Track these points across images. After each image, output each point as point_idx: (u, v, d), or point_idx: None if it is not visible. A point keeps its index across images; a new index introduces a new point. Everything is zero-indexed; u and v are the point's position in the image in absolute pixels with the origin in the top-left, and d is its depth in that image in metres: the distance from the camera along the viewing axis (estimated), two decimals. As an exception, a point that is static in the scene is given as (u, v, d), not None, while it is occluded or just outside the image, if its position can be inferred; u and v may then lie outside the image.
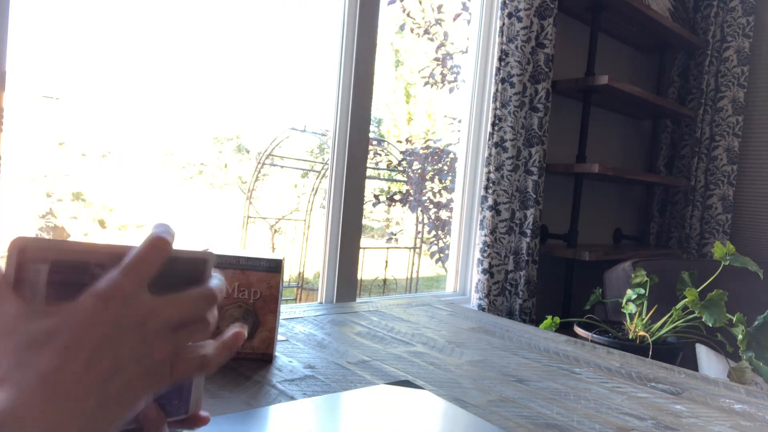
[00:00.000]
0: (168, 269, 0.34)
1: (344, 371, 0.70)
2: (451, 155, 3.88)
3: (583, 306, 2.14)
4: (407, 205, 3.99)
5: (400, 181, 4.06)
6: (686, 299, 1.27)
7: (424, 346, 0.85)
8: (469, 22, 1.91)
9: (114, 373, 0.30)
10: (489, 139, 1.68)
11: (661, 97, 2.12)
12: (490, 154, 1.68)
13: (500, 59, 1.66)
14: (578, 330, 1.52)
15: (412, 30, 3.92)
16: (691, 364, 1.54)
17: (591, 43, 1.92)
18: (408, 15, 3.88)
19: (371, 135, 1.50)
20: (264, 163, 3.49)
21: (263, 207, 3.51)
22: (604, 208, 2.38)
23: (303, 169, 3.73)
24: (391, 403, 0.60)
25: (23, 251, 0.32)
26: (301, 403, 0.58)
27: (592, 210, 2.31)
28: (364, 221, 1.56)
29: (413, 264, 3.90)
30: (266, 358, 0.71)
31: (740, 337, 1.24)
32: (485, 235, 1.68)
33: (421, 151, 4.06)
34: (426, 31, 3.91)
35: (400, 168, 4.02)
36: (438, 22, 3.88)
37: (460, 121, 1.93)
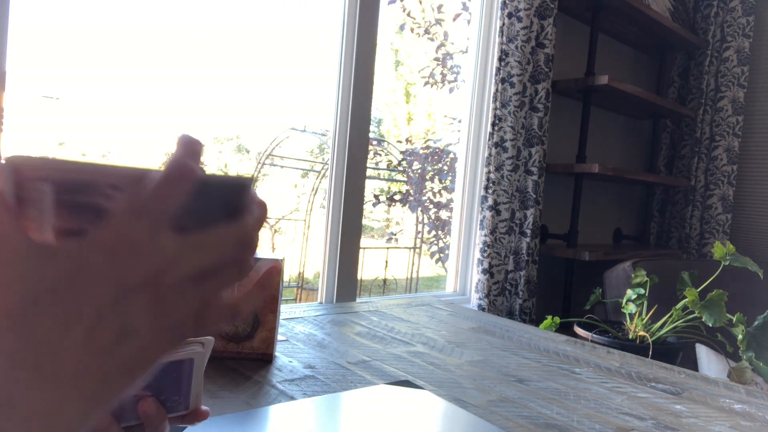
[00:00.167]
0: (196, 198, 0.27)
1: (344, 371, 0.70)
2: (451, 155, 3.88)
3: (583, 306, 2.14)
4: (407, 205, 3.99)
5: (400, 181, 4.06)
6: (686, 299, 1.27)
7: (424, 346, 0.85)
8: (469, 22, 1.91)
9: (121, 341, 0.25)
10: (489, 139, 1.68)
11: (661, 97, 2.12)
12: (490, 154, 1.68)
13: (500, 59, 1.66)
14: (578, 330, 1.52)
15: (412, 30, 3.93)
16: (691, 364, 1.54)
17: (591, 43, 1.92)
18: (408, 15, 3.88)
19: (371, 135, 1.50)
20: (264, 163, 3.49)
21: (263, 207, 3.51)
22: (604, 208, 2.38)
23: (303, 169, 3.73)
24: (391, 403, 0.60)
25: (19, 170, 0.25)
26: (301, 403, 0.58)
27: (592, 210, 2.31)
28: (364, 221, 1.56)
29: (413, 264, 3.90)
30: (266, 358, 0.71)
31: (740, 337, 1.24)
32: (485, 235, 1.68)
33: (421, 151, 4.06)
34: (426, 31, 3.91)
35: (400, 168, 4.02)
36: (438, 22, 3.88)
37: (460, 121, 1.93)
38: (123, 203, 0.25)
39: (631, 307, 1.41)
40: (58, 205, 0.26)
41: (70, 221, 0.26)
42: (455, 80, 3.89)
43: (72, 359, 0.24)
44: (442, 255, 3.91)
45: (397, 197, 4.02)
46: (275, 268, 0.31)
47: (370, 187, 3.86)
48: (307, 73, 3.38)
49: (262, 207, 0.30)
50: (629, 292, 1.43)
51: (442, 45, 3.89)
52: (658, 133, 2.47)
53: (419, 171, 4.01)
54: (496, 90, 1.67)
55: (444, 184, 3.92)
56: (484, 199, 1.68)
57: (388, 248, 3.91)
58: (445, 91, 3.99)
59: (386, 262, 3.76)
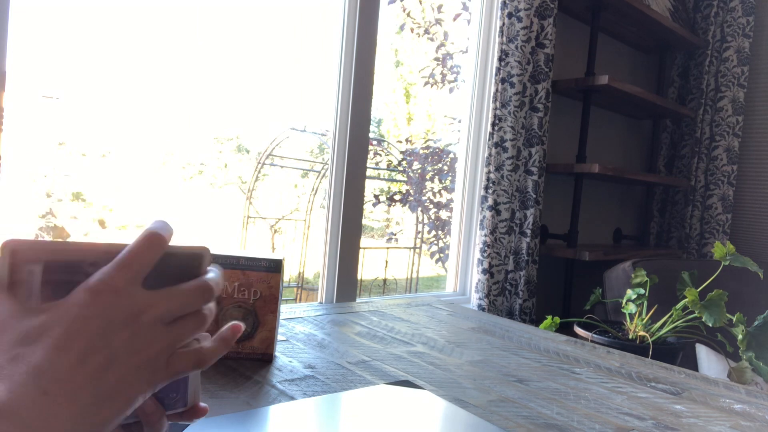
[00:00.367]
0: (163, 265, 0.33)
1: (344, 371, 0.70)
2: (451, 155, 3.88)
3: (583, 306, 2.14)
4: (407, 205, 3.99)
5: (400, 181, 4.06)
6: (686, 299, 1.27)
7: (424, 346, 0.85)
8: (469, 22, 1.91)
9: (107, 368, 0.29)
10: (489, 139, 1.68)
11: (661, 97, 2.12)
12: (490, 154, 1.68)
13: (500, 59, 1.66)
14: (578, 330, 1.52)
15: (412, 30, 3.92)
16: (691, 364, 1.54)
17: (591, 43, 1.92)
18: (408, 15, 3.88)
19: (371, 135, 1.50)
20: (264, 163, 3.49)
21: (263, 207, 3.51)
22: (604, 208, 2.38)
23: (303, 169, 3.73)
24: (391, 403, 0.60)
25: (15, 253, 0.31)
26: (301, 403, 0.58)
27: (592, 210, 2.31)
28: (364, 221, 1.56)
29: (413, 264, 3.90)
30: (266, 358, 0.71)
31: (740, 337, 1.24)
32: (485, 235, 1.68)
33: (421, 151, 4.06)
34: (426, 31, 3.91)
35: (400, 168, 4.02)
36: (438, 22, 3.88)
37: (460, 121, 1.93)
38: (105, 263, 0.32)
39: (631, 307, 1.41)
40: (43, 284, 0.32)
41: (52, 298, 0.31)
42: (455, 80, 3.88)
43: (67, 380, 0.28)
44: (442, 255, 3.91)
45: (397, 197, 4.02)
46: (237, 326, 0.36)
47: (370, 187, 3.87)
48: (308, 73, 3.38)
49: (218, 272, 0.37)
50: (629, 292, 1.43)
51: (442, 45, 3.89)
52: (658, 133, 2.47)
53: (419, 171, 4.01)
54: (496, 90, 1.67)
55: (444, 184, 3.92)
56: (484, 199, 1.68)
57: (388, 248, 3.91)
58: (445, 91, 3.99)
59: (386, 262, 3.76)
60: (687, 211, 2.35)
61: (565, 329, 1.77)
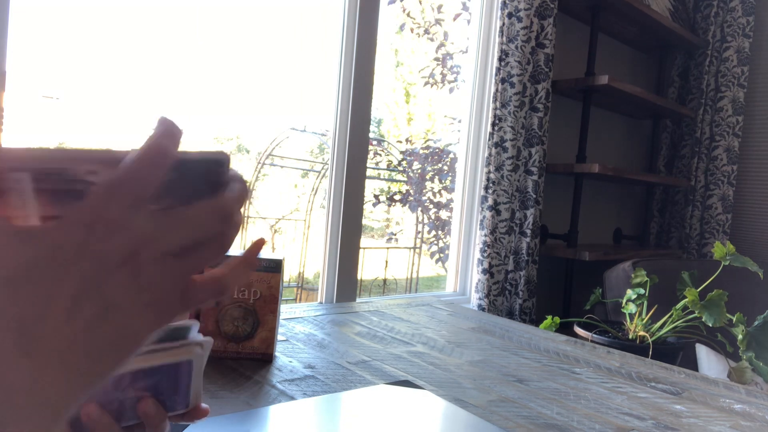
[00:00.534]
0: (173, 178, 0.27)
1: (344, 371, 0.70)
2: (451, 155, 3.88)
3: (583, 306, 2.14)
4: (407, 205, 3.99)
5: (400, 181, 4.06)
6: (686, 299, 1.27)
7: (424, 346, 0.85)
8: (469, 22, 1.91)
9: (102, 317, 0.25)
10: (489, 139, 1.68)
11: (661, 97, 2.12)
12: (490, 154, 1.68)
13: (500, 59, 1.66)
14: (578, 330, 1.52)
15: (412, 30, 3.92)
16: (691, 364, 1.54)
17: (591, 43, 1.92)
18: (408, 15, 3.88)
19: (371, 135, 1.50)
20: (264, 163, 3.49)
21: (263, 207, 3.51)
22: (604, 208, 2.38)
23: (303, 169, 3.73)
24: (391, 403, 0.60)
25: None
26: (301, 403, 0.58)
27: (592, 210, 2.31)
28: (364, 221, 1.56)
29: (413, 264, 3.90)
30: (266, 358, 0.71)
31: (740, 337, 1.24)
32: (485, 235, 1.68)
33: (421, 151, 4.06)
34: (426, 31, 3.92)
35: (400, 168, 4.02)
36: (438, 22, 3.88)
37: (460, 121, 1.93)
38: (100, 183, 0.26)
39: (631, 307, 1.41)
40: (37, 192, 0.26)
41: (51, 207, 0.26)
42: (455, 80, 3.89)
43: (55, 335, 0.24)
44: (442, 255, 3.91)
45: (397, 197, 4.02)
46: (261, 241, 0.32)
47: (370, 187, 3.87)
48: (308, 73, 3.38)
49: (242, 182, 0.30)
50: (629, 292, 1.43)
51: (442, 45, 3.89)
52: (658, 133, 2.47)
53: (419, 171, 4.01)
54: (496, 90, 1.67)
55: (444, 184, 3.92)
56: (484, 199, 1.68)
57: (388, 248, 3.91)
58: (445, 91, 3.99)
59: (386, 262, 3.76)
60: (687, 211, 2.35)
61: (565, 329, 1.77)
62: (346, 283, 1.47)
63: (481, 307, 1.68)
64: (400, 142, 4.20)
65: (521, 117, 1.69)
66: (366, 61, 1.45)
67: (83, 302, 0.25)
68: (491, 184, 1.67)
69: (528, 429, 0.57)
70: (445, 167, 3.97)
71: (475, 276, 1.71)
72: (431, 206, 3.95)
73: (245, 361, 0.71)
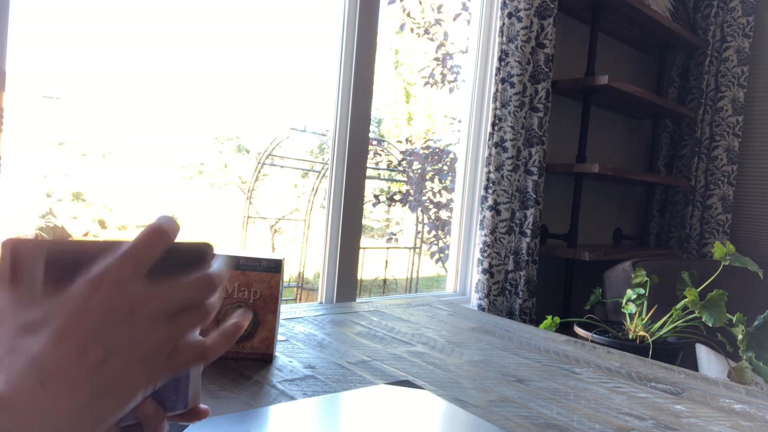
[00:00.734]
0: (167, 260, 0.33)
1: (344, 371, 0.70)
2: (451, 155, 3.88)
3: (583, 306, 2.14)
4: (407, 205, 3.99)
5: (400, 181, 4.06)
6: (686, 299, 1.27)
7: (424, 346, 0.85)
8: (469, 22, 1.91)
9: (106, 361, 0.29)
10: (489, 139, 1.68)
11: (661, 97, 2.12)
12: (490, 154, 1.68)
13: (500, 59, 1.66)
14: (578, 330, 1.52)
15: (412, 30, 3.92)
16: (691, 364, 1.54)
17: (591, 43, 1.92)
18: (408, 15, 3.88)
19: (371, 135, 1.50)
20: (264, 163, 3.49)
21: (263, 207, 3.51)
22: (604, 208, 2.38)
23: (303, 169, 3.73)
24: (391, 403, 0.60)
25: (16, 249, 0.31)
26: (301, 403, 0.58)
27: (592, 210, 2.31)
28: (364, 221, 1.56)
29: (413, 264, 3.90)
30: (266, 358, 0.71)
31: (740, 337, 1.24)
32: (485, 235, 1.68)
33: (421, 151, 4.06)
34: (426, 31, 3.91)
35: (400, 168, 4.02)
36: (438, 22, 3.88)
37: (460, 121, 1.93)
38: (109, 254, 0.32)
39: (631, 307, 1.41)
40: (50, 274, 0.32)
41: (62, 286, 0.31)
42: (455, 80, 3.89)
43: (65, 372, 0.28)
44: (442, 255, 3.91)
45: (397, 197, 4.02)
46: (240, 324, 0.36)
47: (370, 187, 3.87)
48: (308, 73, 3.38)
49: (223, 266, 0.36)
50: (629, 292, 1.43)
51: (442, 45, 3.89)
52: (658, 133, 2.47)
53: (419, 171, 4.01)
54: (496, 90, 1.67)
55: (444, 184, 3.92)
56: (484, 199, 1.68)
57: (388, 248, 3.91)
58: (445, 91, 3.99)
59: (386, 262, 3.76)
60: (687, 211, 2.35)
61: (565, 329, 1.77)
62: (346, 283, 1.47)
63: (481, 307, 1.68)
64: (400, 142, 4.20)
65: (521, 117, 1.69)
66: (366, 61, 1.45)
67: (91, 346, 0.29)
68: (491, 184, 1.67)
69: (528, 429, 0.57)
70: (445, 167, 3.97)
71: (475, 276, 1.71)
72: (431, 206, 3.95)
73: (245, 361, 0.71)
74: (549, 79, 1.73)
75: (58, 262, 0.32)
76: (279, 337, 0.84)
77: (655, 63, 2.55)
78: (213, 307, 0.35)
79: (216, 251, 0.37)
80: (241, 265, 0.69)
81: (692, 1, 2.41)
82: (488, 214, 1.67)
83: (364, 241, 1.93)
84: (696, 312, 1.25)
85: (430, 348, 0.85)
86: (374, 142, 3.84)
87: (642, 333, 1.39)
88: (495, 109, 1.67)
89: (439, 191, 3.95)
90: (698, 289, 1.29)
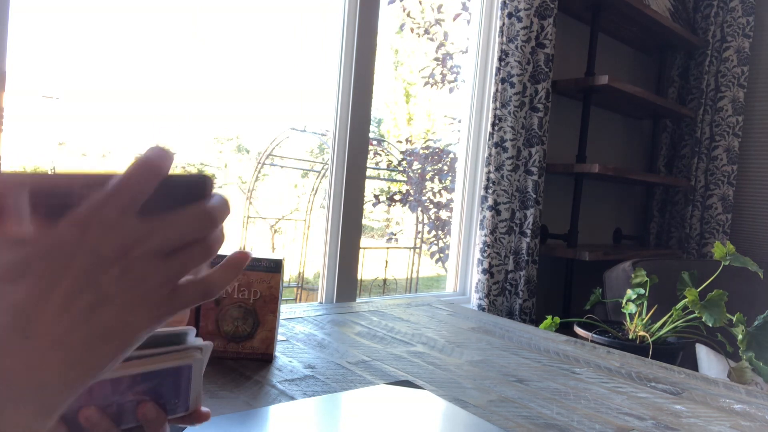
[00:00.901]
0: (161, 194, 0.30)
1: (344, 371, 0.70)
2: (451, 155, 3.88)
3: (583, 306, 2.14)
4: (407, 205, 3.99)
5: (400, 181, 4.06)
6: (686, 299, 1.27)
7: (424, 346, 0.85)
8: (469, 22, 1.91)
9: (97, 308, 0.27)
10: (489, 139, 1.68)
11: (661, 97, 2.12)
12: (490, 154, 1.68)
13: (500, 59, 1.66)
14: (578, 330, 1.52)
15: (412, 30, 3.93)
16: (691, 364, 1.54)
17: (591, 43, 1.92)
18: (408, 15, 3.88)
19: (371, 135, 1.50)
20: (264, 163, 3.49)
21: (263, 207, 3.51)
22: (604, 208, 2.38)
23: (303, 169, 3.73)
24: (391, 403, 0.60)
25: None
26: (301, 403, 0.58)
27: (592, 210, 2.31)
28: (364, 221, 1.56)
29: (413, 264, 3.90)
30: (266, 358, 0.71)
31: (740, 337, 1.24)
32: (485, 235, 1.68)
33: (421, 151, 4.06)
34: (426, 31, 3.92)
35: (400, 168, 4.02)
36: (438, 22, 3.88)
37: (460, 121, 1.93)
38: (96, 192, 0.28)
39: (631, 307, 1.41)
40: (35, 209, 0.29)
41: (49, 223, 0.28)
42: (455, 80, 3.89)
43: (52, 323, 0.26)
44: (442, 255, 3.91)
45: (397, 197, 4.02)
46: (246, 253, 0.33)
47: (370, 187, 3.86)
48: (308, 73, 3.38)
49: (225, 198, 0.32)
50: (629, 292, 1.43)
51: (442, 45, 3.89)
52: (658, 133, 2.47)
53: (419, 171, 4.01)
54: (496, 90, 1.67)
55: (444, 184, 3.92)
56: (484, 199, 1.68)
57: (388, 248, 3.91)
58: (445, 91, 3.99)
59: (386, 262, 3.76)
60: (687, 211, 2.35)
61: (565, 329, 1.77)
62: (346, 283, 1.47)
63: (481, 307, 1.68)
64: (400, 142, 4.20)
65: (521, 117, 1.69)
66: (366, 61, 1.45)
67: (80, 293, 0.27)
68: (491, 184, 1.67)
69: (528, 429, 0.57)
70: (445, 167, 3.97)
71: (475, 276, 1.71)
72: (431, 206, 3.95)
73: (245, 361, 0.71)
74: (549, 79, 1.73)
75: (41, 198, 0.29)
76: (279, 337, 0.84)
77: (655, 63, 2.55)
78: (216, 241, 0.31)
79: (214, 183, 0.33)
80: (241, 265, 0.69)
81: (692, 1, 2.41)
82: (488, 214, 1.67)
83: (364, 241, 1.93)
84: (696, 312, 1.25)
85: (430, 348, 0.85)
86: (374, 142, 3.84)
87: (642, 333, 1.39)
88: (495, 109, 1.67)
89: (439, 191, 3.95)
90: (698, 289, 1.29)
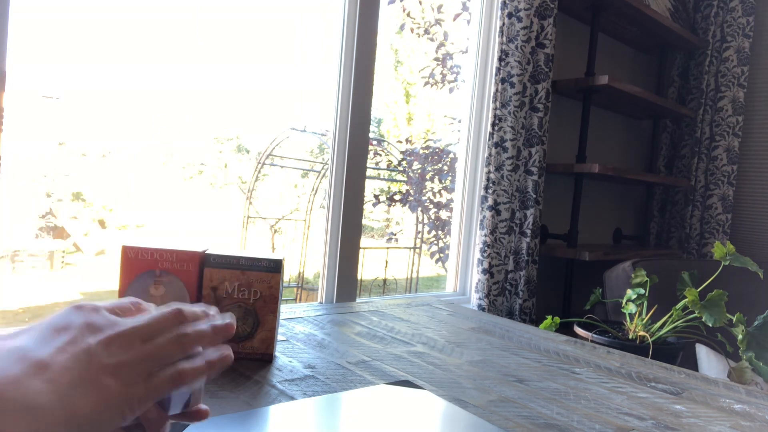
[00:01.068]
0: None
1: (344, 371, 0.70)
2: (451, 155, 3.88)
3: (583, 306, 2.14)
4: (407, 205, 3.99)
5: (400, 181, 4.06)
6: (686, 299, 1.27)
7: (424, 346, 0.85)
8: (469, 22, 1.91)
9: (85, 357, 0.31)
10: (489, 139, 1.68)
11: (661, 97, 2.12)
12: (490, 154, 1.68)
13: (500, 59, 1.66)
14: (578, 330, 1.52)
15: (412, 30, 3.93)
16: (691, 364, 1.54)
17: (591, 43, 1.92)
18: (408, 15, 3.88)
19: (371, 135, 1.50)
20: (264, 163, 3.49)
21: (263, 207, 3.51)
22: (604, 208, 2.38)
23: (303, 169, 3.73)
24: (391, 403, 0.60)
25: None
26: (301, 403, 0.58)
27: (592, 210, 2.31)
28: (364, 221, 1.56)
29: (413, 264, 3.90)
30: (266, 358, 0.71)
31: (740, 337, 1.24)
32: (485, 235, 1.68)
33: (421, 151, 4.06)
34: (426, 31, 3.92)
35: (400, 168, 4.02)
36: (438, 22, 3.88)
37: (460, 121, 1.93)
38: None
39: (631, 307, 1.41)
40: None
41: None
42: (455, 80, 3.89)
43: (50, 360, 0.30)
44: (442, 255, 3.91)
45: (397, 197, 4.02)
46: (227, 356, 0.38)
47: (370, 187, 3.86)
48: (308, 73, 3.38)
49: (198, 308, 0.39)
50: (629, 292, 1.43)
51: (442, 45, 3.89)
52: (658, 133, 2.47)
53: (419, 171, 4.01)
54: (496, 90, 1.67)
55: (444, 184, 3.92)
56: (484, 199, 1.68)
57: (388, 248, 3.91)
58: (445, 91, 4.00)
59: (386, 262, 3.76)
60: (687, 211, 2.35)
61: (565, 329, 1.77)
62: (346, 283, 1.47)
63: (481, 307, 1.68)
64: (400, 142, 4.20)
65: (521, 117, 1.69)
66: (366, 61, 1.45)
67: (73, 343, 0.32)
68: (491, 184, 1.67)
69: (528, 429, 0.57)
70: (445, 167, 3.97)
71: (475, 276, 1.71)
72: (431, 206, 3.95)
73: (245, 361, 0.71)
74: (549, 79, 1.73)
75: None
76: (279, 337, 0.84)
77: (655, 63, 2.55)
78: (190, 336, 0.36)
79: None
80: (241, 265, 0.69)
81: (692, 1, 2.41)
82: (488, 214, 1.67)
83: (364, 241, 1.93)
84: (696, 312, 1.25)
85: (430, 348, 0.85)
86: (374, 142, 3.84)
87: (642, 333, 1.39)
88: (495, 109, 1.67)
89: (439, 191, 3.95)
90: (698, 289, 1.29)
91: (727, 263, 1.30)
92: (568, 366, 0.81)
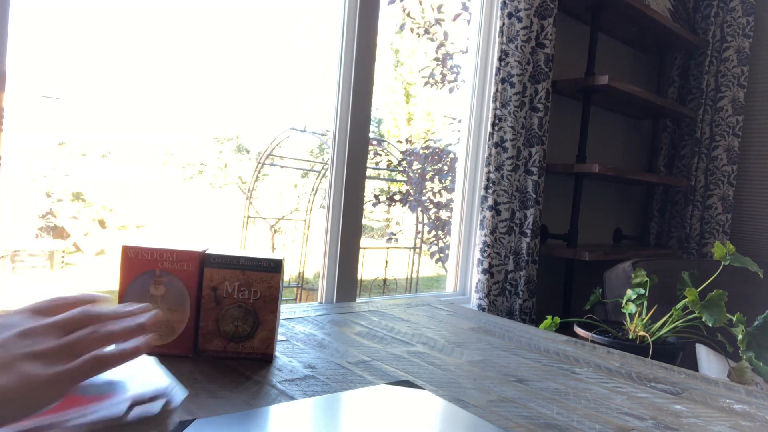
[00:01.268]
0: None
1: (344, 371, 0.70)
2: (451, 155, 3.88)
3: (583, 306, 2.14)
4: (407, 205, 3.99)
5: (400, 181, 4.06)
6: (686, 299, 1.27)
7: (424, 346, 0.85)
8: (469, 22, 1.91)
9: (3, 348, 0.36)
10: (489, 139, 1.68)
11: (661, 97, 2.12)
12: (490, 154, 1.68)
13: (500, 59, 1.66)
14: (578, 330, 1.52)
15: (412, 30, 3.93)
16: (691, 364, 1.54)
17: (591, 43, 1.92)
18: (408, 15, 3.88)
19: (371, 135, 1.50)
20: (264, 163, 3.49)
21: (263, 207, 3.51)
22: (604, 208, 2.38)
23: (303, 169, 3.73)
24: (391, 403, 0.60)
25: None
26: (301, 403, 0.58)
27: (592, 210, 2.31)
28: (364, 221, 1.56)
29: (413, 264, 3.90)
30: (266, 358, 0.71)
31: (740, 337, 1.24)
32: (485, 235, 1.68)
33: (421, 151, 4.06)
34: (426, 31, 3.92)
35: (400, 168, 4.02)
36: (438, 22, 3.88)
37: (460, 121, 1.93)
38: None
39: (631, 307, 1.41)
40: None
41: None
42: (455, 80, 3.89)
43: None
44: (442, 255, 3.91)
45: (397, 197, 4.02)
46: (138, 348, 0.41)
47: (370, 187, 3.86)
48: (308, 73, 3.38)
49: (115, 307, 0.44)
50: (629, 292, 1.43)
51: (442, 45, 3.89)
52: (658, 133, 2.47)
53: (419, 171, 4.01)
54: (496, 90, 1.67)
55: (444, 184, 3.92)
56: (484, 199, 1.68)
57: (388, 248, 3.91)
58: (445, 91, 3.99)
59: (386, 262, 3.76)
60: (687, 211, 2.35)
61: (565, 329, 1.77)
62: (346, 283, 1.47)
63: (481, 307, 1.68)
64: (400, 142, 4.20)
65: (521, 117, 1.69)
66: (366, 61, 1.45)
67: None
68: (491, 184, 1.67)
69: (528, 429, 0.57)
70: (445, 167, 3.97)
71: (475, 276, 1.70)
72: (431, 206, 3.95)
73: (245, 361, 0.71)
74: (549, 79, 1.72)
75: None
76: (279, 337, 0.84)
77: (655, 63, 2.55)
78: (106, 332, 0.40)
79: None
80: (241, 265, 0.69)
81: (692, 1, 2.41)
82: (488, 214, 1.67)
83: (364, 241, 1.93)
84: (696, 312, 1.25)
85: (430, 348, 0.85)
86: (374, 142, 3.84)
87: (642, 333, 1.39)
88: (495, 109, 1.67)
89: (439, 191, 3.95)
90: (698, 289, 1.29)
91: (727, 263, 1.30)
92: (568, 366, 0.81)
